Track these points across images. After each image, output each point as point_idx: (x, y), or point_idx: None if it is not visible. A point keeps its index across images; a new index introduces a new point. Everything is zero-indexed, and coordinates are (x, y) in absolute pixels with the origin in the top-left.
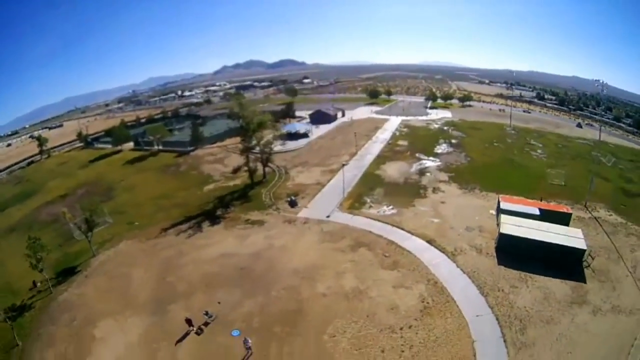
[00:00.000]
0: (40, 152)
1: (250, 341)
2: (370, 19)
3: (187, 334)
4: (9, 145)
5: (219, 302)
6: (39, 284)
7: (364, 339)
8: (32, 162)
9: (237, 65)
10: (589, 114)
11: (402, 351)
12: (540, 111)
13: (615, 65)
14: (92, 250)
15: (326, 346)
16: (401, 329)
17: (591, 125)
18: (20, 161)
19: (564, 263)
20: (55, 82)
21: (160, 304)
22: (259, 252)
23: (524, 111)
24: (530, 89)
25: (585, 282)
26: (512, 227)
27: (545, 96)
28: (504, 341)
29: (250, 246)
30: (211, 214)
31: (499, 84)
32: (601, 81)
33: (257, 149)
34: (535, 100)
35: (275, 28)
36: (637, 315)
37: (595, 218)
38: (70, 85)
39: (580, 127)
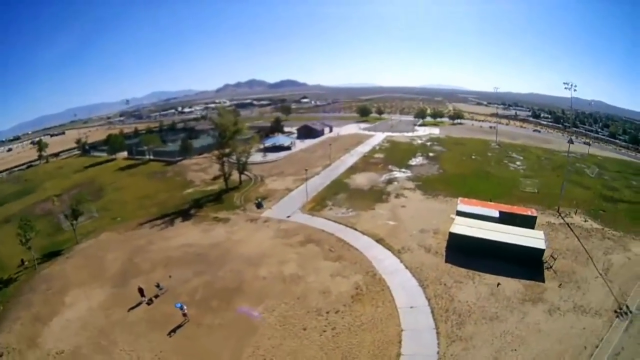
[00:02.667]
0: (40, 157)
1: (185, 307)
2: (375, 43)
3: (140, 303)
4: (9, 150)
5: (170, 276)
6: (26, 262)
7: (290, 317)
8: (31, 165)
9: (238, 84)
10: (584, 131)
11: (324, 331)
12: (540, 129)
13: (619, 84)
14: (76, 239)
15: (254, 321)
16: (327, 312)
17: (588, 144)
18: (21, 165)
19: (522, 263)
20: (59, 92)
21: (123, 278)
22: (218, 243)
23: (533, 131)
24: (527, 109)
25: (543, 282)
26: (464, 227)
27: (541, 114)
28: (437, 333)
29: (211, 238)
30: (185, 212)
31: (496, 105)
32: (591, 102)
33: (234, 156)
34: (530, 118)
35: (278, 49)
36: (605, 316)
37: (567, 224)
38: (72, 97)
39: (572, 142)
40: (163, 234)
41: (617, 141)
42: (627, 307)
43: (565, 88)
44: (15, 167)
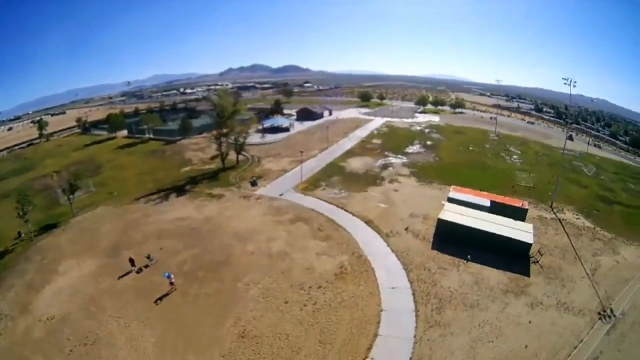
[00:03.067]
0: (40, 136)
1: (173, 277)
2: (380, 32)
3: (129, 272)
4: (10, 129)
5: (160, 248)
6: (23, 235)
7: (273, 290)
8: (31, 144)
9: (242, 69)
10: (584, 128)
11: (305, 305)
12: (535, 121)
13: (623, 83)
14: (72, 212)
15: (238, 292)
16: (310, 287)
17: (599, 146)
18: (21, 143)
19: (508, 255)
20: (61, 74)
21: (116, 249)
22: (210, 217)
23: (527, 122)
24: (531, 102)
25: (528, 276)
26: (453, 214)
27: (544, 109)
28: (416, 316)
29: (204, 213)
30: (180, 188)
31: (498, 96)
32: (594, 100)
33: (232, 136)
34: (533, 112)
35: (282, 35)
36: (588, 317)
37: (559, 219)
38: (75, 78)
39: (571, 139)
40: (158, 208)
41: (618, 142)
42: (612, 310)
43: (565, 83)
44: (16, 145)
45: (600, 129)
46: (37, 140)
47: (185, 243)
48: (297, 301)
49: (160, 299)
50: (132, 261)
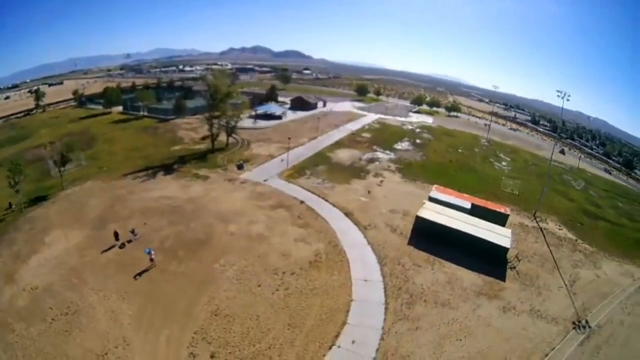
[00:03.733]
0: (37, 106)
1: (153, 253)
2: (385, 25)
3: (112, 246)
4: (7, 98)
5: (145, 224)
6: (14, 206)
7: (248, 273)
8: (28, 114)
9: (243, 49)
10: (578, 145)
11: (277, 290)
12: (532, 134)
13: (623, 106)
14: (62, 185)
15: (214, 272)
16: (284, 273)
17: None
18: (17, 112)
19: (485, 258)
20: (61, 42)
21: (102, 222)
22: (195, 198)
23: (509, 129)
24: (528, 114)
25: (504, 281)
26: (431, 212)
27: (540, 121)
28: (385, 309)
29: (189, 193)
30: (168, 167)
31: (497, 104)
32: (590, 118)
33: (224, 119)
34: (529, 123)
35: (288, 17)
36: (562, 325)
37: (540, 228)
38: (75, 47)
39: (563, 153)
40: (144, 185)
41: (611, 161)
42: (587, 321)
43: (558, 96)
44: (12, 114)
45: (594, 147)
46: (34, 111)
47: (169, 220)
48: (270, 285)
49: (140, 274)
50: (116, 235)
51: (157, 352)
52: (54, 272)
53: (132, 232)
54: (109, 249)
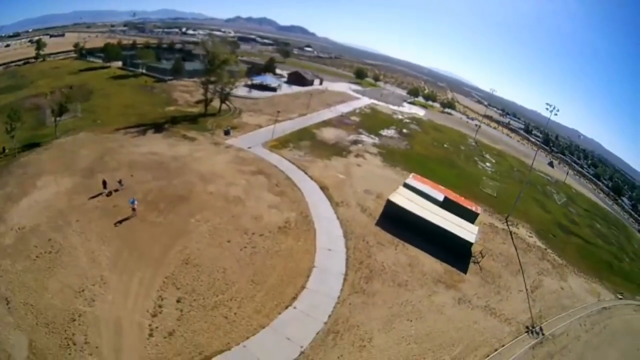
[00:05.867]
0: (37, 56)
1: (136, 203)
2: (395, 12)
3: (99, 194)
4: (7, 46)
5: (132, 175)
6: (7, 151)
7: (220, 230)
8: (27, 63)
9: (250, 19)
10: (569, 161)
11: (245, 247)
12: (523, 142)
13: (620, 132)
14: (55, 134)
15: (189, 225)
16: (253, 233)
17: (572, 175)
18: (17, 60)
19: (449, 250)
20: None
21: (91, 172)
22: (179, 157)
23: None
24: (522, 122)
25: (465, 273)
26: (402, 198)
27: (533, 131)
28: (344, 280)
29: (175, 152)
30: (159, 126)
31: (495, 109)
32: (580, 136)
33: (219, 85)
34: (521, 131)
35: None
36: (514, 327)
37: (510, 232)
38: None
39: (552, 166)
40: (134, 141)
41: (600, 183)
42: (541, 329)
43: (547, 109)
44: (12, 62)
45: (585, 166)
46: (33, 60)
47: (153, 175)
48: (238, 242)
49: (121, 222)
50: (104, 183)
51: (129, 292)
52: (42, 213)
53: (119, 182)
54: (96, 196)
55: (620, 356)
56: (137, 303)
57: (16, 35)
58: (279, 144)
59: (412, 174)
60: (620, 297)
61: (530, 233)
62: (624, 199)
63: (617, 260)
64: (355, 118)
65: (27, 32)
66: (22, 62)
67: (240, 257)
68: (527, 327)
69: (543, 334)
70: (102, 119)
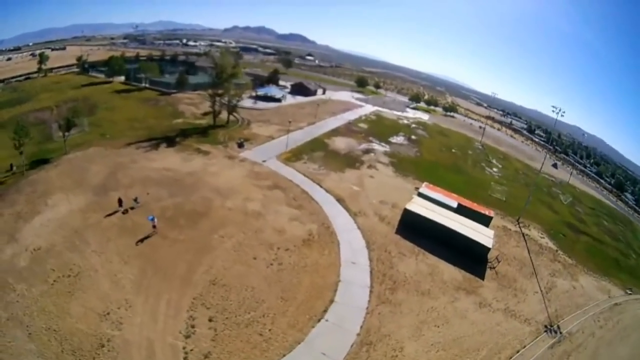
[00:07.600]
0: (39, 70)
1: (156, 220)
2: (393, 19)
3: (115, 212)
4: (9, 59)
5: (147, 193)
6: (15, 168)
7: (245, 246)
8: (29, 77)
9: (247, 28)
10: (572, 161)
11: (271, 264)
12: (527, 143)
13: (628, 131)
14: (65, 149)
15: (212, 242)
16: (278, 248)
17: (576, 175)
18: (19, 76)
19: (467, 256)
20: (66, 6)
21: (104, 189)
22: (195, 171)
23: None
24: (524, 122)
25: (482, 279)
26: (419, 206)
27: (535, 130)
28: (370, 291)
29: (189, 167)
30: (170, 139)
31: (495, 110)
32: (585, 135)
33: (226, 97)
34: (524, 131)
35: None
36: (534, 327)
37: (522, 234)
38: (80, 13)
39: (556, 167)
40: (146, 155)
41: (603, 181)
42: (559, 327)
43: (553, 111)
44: (13, 77)
45: (588, 165)
46: (35, 75)
47: (169, 192)
48: (264, 259)
49: (142, 240)
50: (120, 201)
51: (157, 313)
52: (56, 232)
53: (135, 200)
54: (112, 214)
55: (631, 350)
56: (168, 324)
57: (17, 48)
58: (293, 156)
59: (425, 182)
60: (629, 292)
61: (542, 234)
62: (627, 194)
63: (623, 256)
64: (363, 125)
65: (28, 45)
66: (24, 77)
67: (267, 275)
68: (546, 326)
69: (561, 332)
70: (110, 133)
